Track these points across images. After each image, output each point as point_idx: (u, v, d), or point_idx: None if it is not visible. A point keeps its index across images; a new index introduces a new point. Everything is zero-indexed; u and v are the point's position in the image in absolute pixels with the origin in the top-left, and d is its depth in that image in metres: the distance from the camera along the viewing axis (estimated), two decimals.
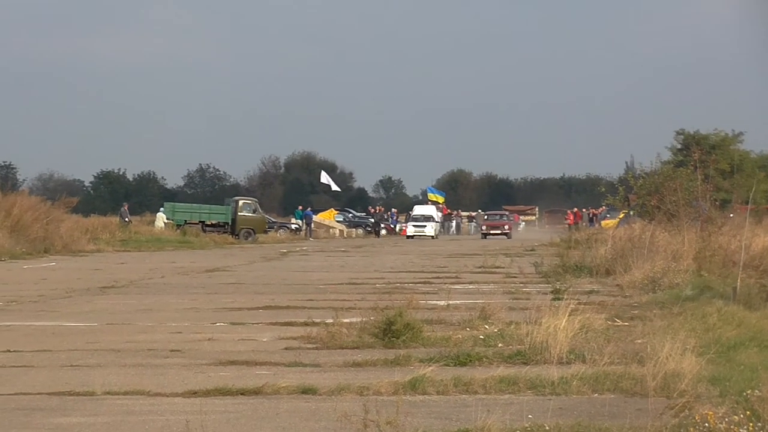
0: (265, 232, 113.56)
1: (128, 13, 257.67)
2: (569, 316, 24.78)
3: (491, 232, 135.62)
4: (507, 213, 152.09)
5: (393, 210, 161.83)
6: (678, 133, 79.60)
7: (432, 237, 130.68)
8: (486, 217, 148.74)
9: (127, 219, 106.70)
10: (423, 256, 76.41)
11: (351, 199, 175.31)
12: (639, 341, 23.90)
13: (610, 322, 28.51)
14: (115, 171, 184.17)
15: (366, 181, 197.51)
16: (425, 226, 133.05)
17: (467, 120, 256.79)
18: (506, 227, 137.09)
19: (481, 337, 26.25)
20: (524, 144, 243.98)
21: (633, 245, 52.38)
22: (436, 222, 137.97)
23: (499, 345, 24.92)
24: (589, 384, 20.24)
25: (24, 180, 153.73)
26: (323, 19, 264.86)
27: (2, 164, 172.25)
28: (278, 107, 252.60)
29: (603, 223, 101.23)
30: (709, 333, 25.06)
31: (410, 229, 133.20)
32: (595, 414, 17.25)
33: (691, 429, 15.05)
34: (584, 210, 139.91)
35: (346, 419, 16.78)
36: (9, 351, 26.36)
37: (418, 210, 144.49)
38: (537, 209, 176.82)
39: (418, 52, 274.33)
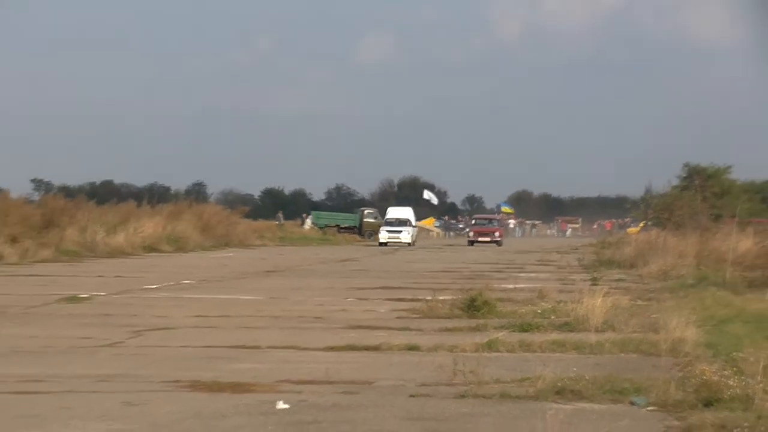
0: None
1: (289, 73, 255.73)
2: (603, 297, 24.67)
3: (479, 239, 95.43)
4: (498, 218, 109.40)
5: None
6: (684, 165, 79.40)
7: (408, 244, 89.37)
8: (474, 221, 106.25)
9: (281, 222, 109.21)
10: (497, 252, 76.25)
11: (444, 211, 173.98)
12: (654, 316, 23.69)
13: (633, 302, 28.25)
14: (276, 188, 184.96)
15: (456, 197, 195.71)
16: (400, 231, 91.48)
17: (529, 148, 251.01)
18: (496, 234, 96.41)
19: (539, 311, 26.06)
20: (572, 169, 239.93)
21: (650, 247, 52.38)
22: (413, 227, 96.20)
23: (552, 317, 24.76)
24: (617, 346, 20.07)
25: (211, 194, 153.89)
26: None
27: (196, 182, 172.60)
28: (393, 141, 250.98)
29: (628, 230, 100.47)
30: (706, 311, 24.81)
31: (383, 235, 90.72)
32: (622, 368, 17.15)
33: (692, 380, 14.96)
34: (614, 220, 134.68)
35: (441, 369, 16.78)
36: (200, 316, 26.57)
37: (393, 213, 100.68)
38: (580, 220, 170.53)
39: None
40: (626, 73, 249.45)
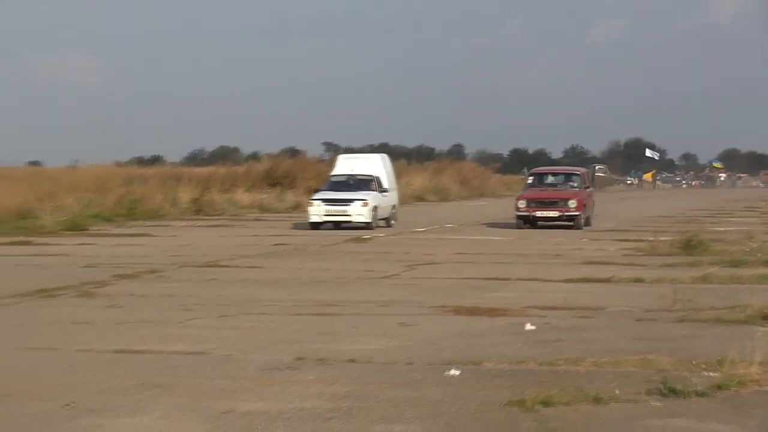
0: (611, 185, 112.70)
1: (529, 53, 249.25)
2: None
3: (537, 214, 36.81)
4: (579, 172, 41.21)
5: (691, 172, 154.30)
6: None
7: (367, 224, 35.67)
8: (530, 180, 40.22)
9: (526, 176, 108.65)
10: (706, 199, 74.34)
11: (664, 166, 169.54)
12: None
13: None
14: (522, 148, 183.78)
15: (674, 154, 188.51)
16: (349, 203, 35.99)
17: (737, 111, 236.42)
18: (571, 203, 36.77)
19: (747, 250, 25.37)
20: None
21: None
22: (383, 192, 37.68)
23: (758, 255, 24.08)
24: None
25: (468, 153, 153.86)
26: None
27: (456, 144, 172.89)
28: (617, 107, 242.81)
29: None
30: None
31: (315, 210, 36.02)
32: None
33: None
34: None
35: (662, 298, 16.58)
36: (459, 253, 26.75)
37: (344, 165, 40.02)
38: None
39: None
40: None
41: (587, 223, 37.89)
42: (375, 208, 36.45)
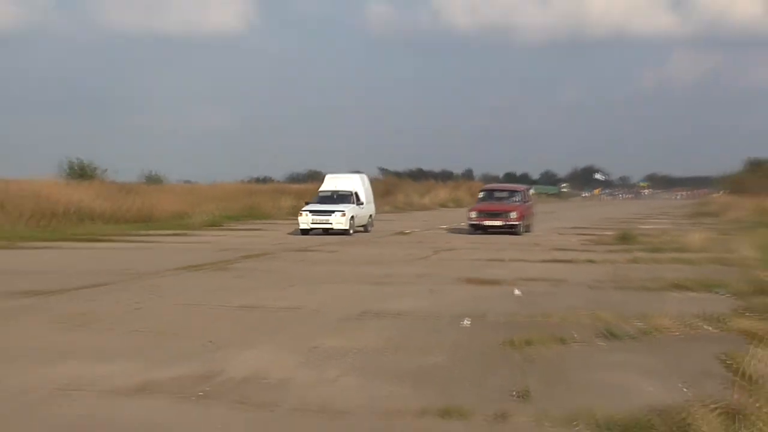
0: (572, 197, 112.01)
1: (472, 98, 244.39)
2: (700, 232, 23.79)
3: (485, 223, 30.78)
4: (521, 189, 33.78)
5: (624, 189, 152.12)
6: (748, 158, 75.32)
7: (345, 231, 29.80)
8: (481, 195, 33.58)
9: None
10: (641, 207, 73.52)
11: (608, 185, 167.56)
12: (730, 243, 22.43)
13: (718, 235, 26.88)
14: (512, 172, 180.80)
15: (615, 175, 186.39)
16: (331, 212, 30.02)
17: (657, 144, 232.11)
18: (512, 215, 30.55)
19: (663, 240, 25.18)
20: (685, 156, 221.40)
21: (728, 205, 49.76)
22: (359, 204, 31.50)
23: (672, 244, 23.88)
24: (709, 260, 19.11)
25: (476, 175, 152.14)
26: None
27: (467, 168, 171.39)
28: (579, 141, 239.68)
29: (714, 195, 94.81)
30: (761, 240, 23.15)
31: (304, 220, 30.08)
32: (712, 273, 16.33)
33: (752, 279, 14.31)
34: (706, 189, 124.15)
35: (606, 273, 16.44)
36: (470, 242, 26.51)
37: (330, 183, 32.97)
38: (685, 190, 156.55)
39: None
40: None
41: (527, 230, 31.91)
42: (352, 218, 30.84)
